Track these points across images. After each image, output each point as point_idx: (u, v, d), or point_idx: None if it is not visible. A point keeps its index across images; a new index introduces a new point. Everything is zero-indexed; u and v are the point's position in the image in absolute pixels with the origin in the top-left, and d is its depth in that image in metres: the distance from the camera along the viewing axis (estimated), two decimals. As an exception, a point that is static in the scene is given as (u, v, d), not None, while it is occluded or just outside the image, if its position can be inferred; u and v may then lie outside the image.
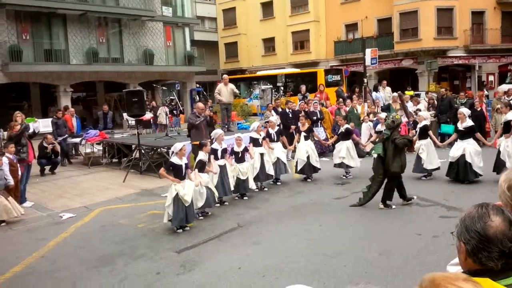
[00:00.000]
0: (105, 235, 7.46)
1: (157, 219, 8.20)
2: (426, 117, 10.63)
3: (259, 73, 30.67)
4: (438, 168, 10.09)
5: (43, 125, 18.71)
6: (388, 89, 17.96)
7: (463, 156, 9.42)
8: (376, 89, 18.72)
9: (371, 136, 12.81)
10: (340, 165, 10.78)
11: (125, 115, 17.44)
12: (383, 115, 10.99)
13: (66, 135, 14.34)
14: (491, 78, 29.24)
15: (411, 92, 18.58)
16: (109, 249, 6.79)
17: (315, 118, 13.45)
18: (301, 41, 35.88)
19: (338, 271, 5.61)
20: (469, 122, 9.64)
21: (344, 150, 10.54)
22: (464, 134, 9.61)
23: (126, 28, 25.53)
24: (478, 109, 14.56)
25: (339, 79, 25.10)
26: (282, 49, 36.87)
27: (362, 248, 6.36)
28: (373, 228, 7.13)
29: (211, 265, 5.99)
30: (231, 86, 14.19)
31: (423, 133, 10.21)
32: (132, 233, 7.51)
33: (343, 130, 10.80)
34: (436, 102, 15.36)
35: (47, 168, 12.80)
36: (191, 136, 11.01)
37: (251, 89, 28.47)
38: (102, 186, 11.14)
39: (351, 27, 33.45)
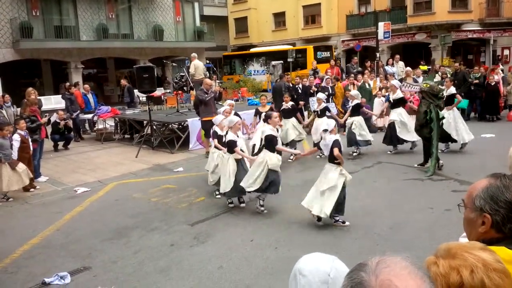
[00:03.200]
0: (119, 209, 7.58)
1: (170, 193, 8.31)
2: (356, 96, 10.90)
3: (252, 50, 31.48)
4: (370, 141, 10.58)
5: (55, 101, 18.90)
6: (401, 63, 17.70)
7: (393, 123, 10.51)
8: (386, 64, 18.50)
9: (383, 111, 12.71)
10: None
11: (136, 91, 17.48)
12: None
13: (78, 111, 14.43)
14: (506, 52, 28.59)
15: (425, 67, 18.27)
16: (123, 222, 6.91)
17: (327, 93, 13.34)
18: (312, 15, 35.25)
19: (350, 243, 5.66)
20: (399, 94, 10.75)
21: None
22: (394, 105, 10.72)
23: (135, 3, 25.31)
24: (492, 84, 14.34)
25: (329, 55, 26.36)
26: (292, 24, 36.32)
27: (373, 221, 6.39)
28: (384, 202, 7.14)
29: (223, 237, 6.08)
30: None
31: (355, 111, 10.65)
32: (145, 206, 7.63)
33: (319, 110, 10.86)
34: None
35: (60, 144, 12.93)
36: (200, 112, 11.00)
37: (245, 66, 28.97)
38: (115, 161, 11.27)
39: (364, 0, 32.79)
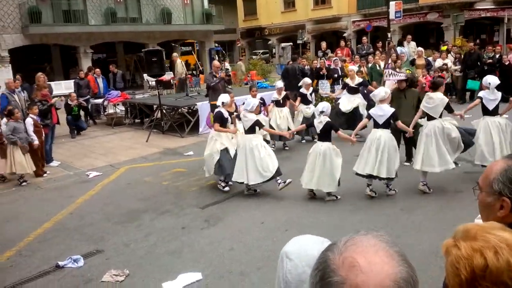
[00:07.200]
0: (131, 192, 7.65)
1: (181, 177, 8.36)
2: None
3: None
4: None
5: (66, 86, 18.98)
6: (413, 44, 17.41)
7: (356, 108, 10.30)
8: (400, 44, 18.18)
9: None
10: None
11: (145, 75, 17.47)
12: None
13: (88, 96, 14.47)
14: (520, 30, 27.98)
15: (445, 47, 17.86)
16: (135, 205, 6.97)
17: (336, 75, 13.21)
18: (322, -5, 34.78)
19: (359, 225, 5.66)
20: (359, 79, 10.63)
21: None
22: (356, 90, 10.52)
23: (143, -14, 25.14)
24: (506, 63, 14.08)
25: (190, 49, 29.58)
26: (302, 4, 35.83)
27: (383, 203, 6.39)
28: (395, 184, 7.09)
29: (234, 220, 6.12)
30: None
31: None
32: (157, 190, 7.69)
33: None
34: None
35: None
36: (209, 96, 10.98)
37: None
38: (126, 146, 11.33)
39: (375, -21, 32.17)
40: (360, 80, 10.80)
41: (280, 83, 10.43)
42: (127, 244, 5.55)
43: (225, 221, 6.10)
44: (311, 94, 10.45)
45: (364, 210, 6.18)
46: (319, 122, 6.55)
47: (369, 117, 6.71)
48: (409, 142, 7.99)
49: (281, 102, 9.99)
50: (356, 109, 10.39)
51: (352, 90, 10.59)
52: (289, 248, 1.42)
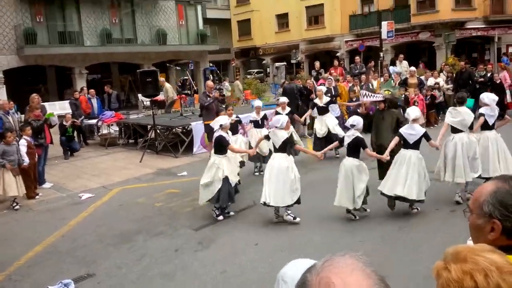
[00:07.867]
0: (124, 214, 7.57)
1: (174, 198, 8.30)
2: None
3: None
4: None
5: (60, 107, 18.93)
6: (405, 63, 17.60)
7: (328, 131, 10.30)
8: (393, 63, 18.37)
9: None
10: None
11: (140, 96, 17.53)
12: None
13: (83, 116, 14.45)
14: (511, 49, 28.37)
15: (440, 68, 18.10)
16: (128, 227, 6.89)
17: (329, 95, 13.27)
18: (315, 16, 35.19)
19: (354, 246, 5.61)
20: (327, 99, 10.80)
21: None
22: (325, 110, 10.64)
23: (139, 7, 25.36)
24: (498, 82, 14.23)
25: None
26: (296, 25, 36.27)
27: (379, 223, 6.35)
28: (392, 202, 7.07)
29: (228, 242, 6.05)
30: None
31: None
32: (150, 211, 7.61)
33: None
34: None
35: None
36: (203, 116, 10.99)
37: None
38: (119, 166, 11.27)
39: (367, 0, 32.70)
40: (328, 99, 10.92)
41: (258, 102, 10.24)
42: (119, 267, 5.47)
43: (219, 243, 6.04)
44: (287, 114, 10.39)
45: (359, 230, 6.14)
46: (348, 136, 6.49)
47: (400, 135, 6.56)
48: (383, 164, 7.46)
49: (260, 122, 9.65)
50: (328, 132, 10.37)
51: (322, 110, 10.66)
52: (285, 271, 1.44)
